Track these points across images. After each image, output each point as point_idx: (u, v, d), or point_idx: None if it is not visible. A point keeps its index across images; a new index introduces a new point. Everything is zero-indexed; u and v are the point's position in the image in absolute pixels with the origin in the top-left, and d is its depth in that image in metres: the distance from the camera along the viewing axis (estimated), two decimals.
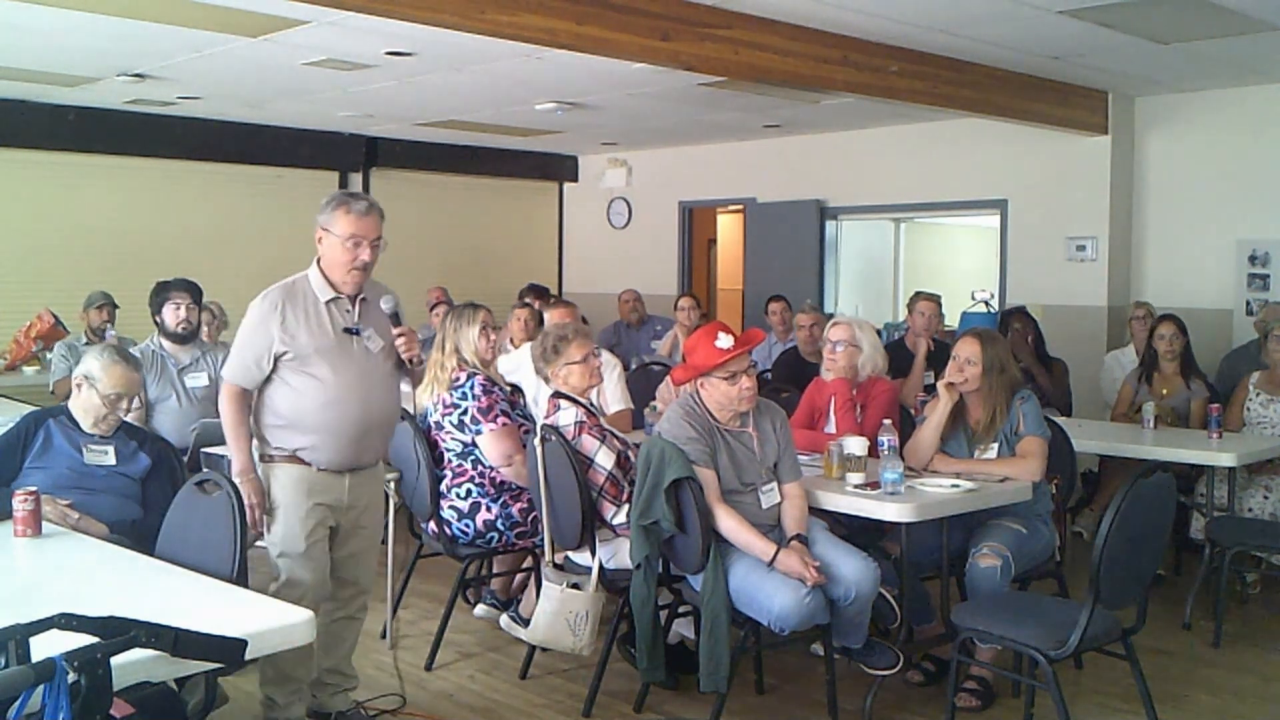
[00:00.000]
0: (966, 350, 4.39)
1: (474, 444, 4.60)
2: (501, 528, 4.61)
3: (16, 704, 1.84)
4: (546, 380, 4.54)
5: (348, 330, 3.60)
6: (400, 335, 3.63)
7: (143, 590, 2.85)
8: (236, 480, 3.45)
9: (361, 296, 3.65)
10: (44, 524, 3.33)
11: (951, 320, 8.53)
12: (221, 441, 4.73)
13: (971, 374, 4.36)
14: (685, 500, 3.80)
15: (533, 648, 4.45)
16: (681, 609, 4.31)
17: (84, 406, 3.88)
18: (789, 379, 6.34)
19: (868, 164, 9.53)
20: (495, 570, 5.17)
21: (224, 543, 3.07)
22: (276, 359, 3.55)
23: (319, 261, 3.63)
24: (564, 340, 4.47)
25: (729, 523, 3.81)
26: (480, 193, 11.17)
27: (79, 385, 3.89)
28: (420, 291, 9.42)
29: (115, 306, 7.23)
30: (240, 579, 2.98)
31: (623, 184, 11.48)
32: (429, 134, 9.90)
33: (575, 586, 4.11)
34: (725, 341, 3.89)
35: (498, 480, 4.64)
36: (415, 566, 5.03)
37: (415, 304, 9.44)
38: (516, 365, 5.68)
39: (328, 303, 3.59)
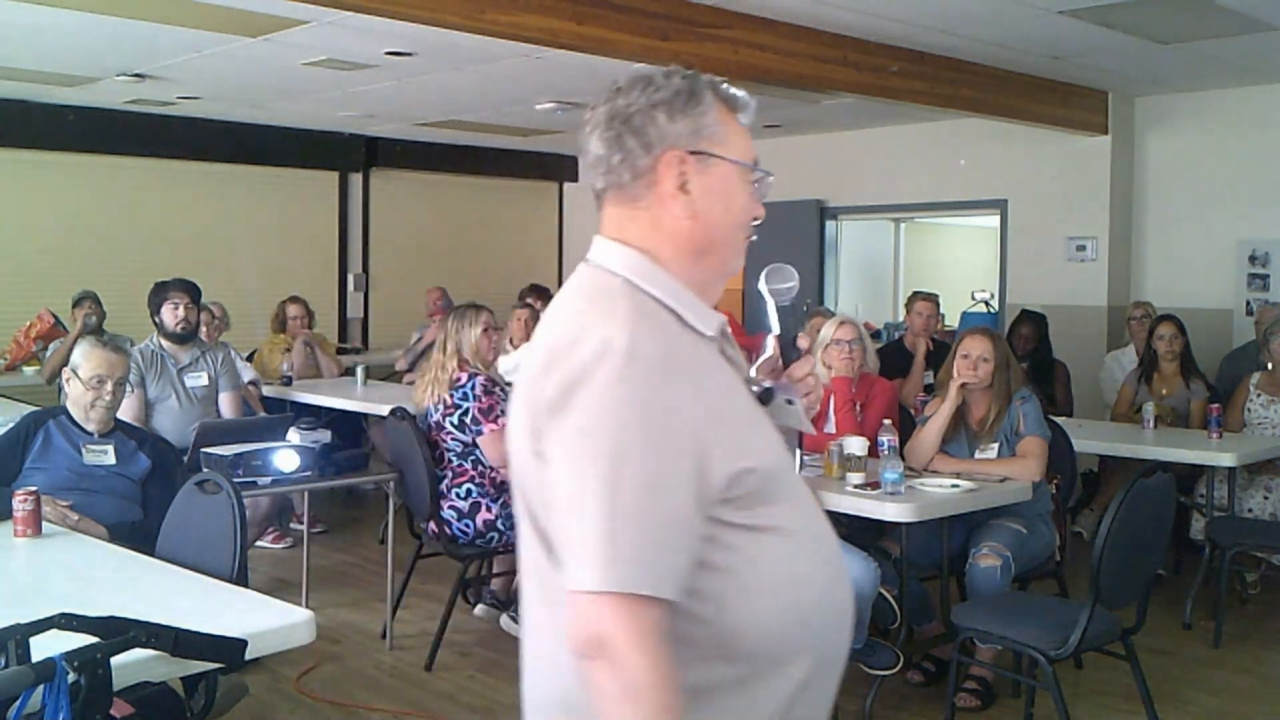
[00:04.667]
0: (979, 348, 4.38)
1: (475, 444, 4.60)
2: (501, 528, 4.61)
3: (16, 704, 1.84)
4: None
5: (761, 397, 1.66)
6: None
7: (143, 590, 2.85)
8: None
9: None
10: (44, 524, 3.33)
11: (952, 320, 8.53)
12: (222, 441, 4.74)
13: (985, 371, 4.35)
14: None
15: None
16: None
17: (74, 400, 3.91)
18: None
19: (868, 164, 9.53)
20: (495, 570, 5.17)
21: (224, 543, 3.06)
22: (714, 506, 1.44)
23: (648, 252, 1.54)
24: None
25: None
26: (480, 193, 11.17)
27: (67, 380, 3.95)
28: (420, 291, 9.42)
29: (99, 303, 7.28)
30: (240, 579, 2.98)
31: None
32: (429, 134, 9.89)
33: None
34: None
35: (498, 480, 4.64)
36: (415, 566, 5.02)
37: (415, 305, 9.46)
38: (515, 365, 5.68)
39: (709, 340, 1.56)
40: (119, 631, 1.98)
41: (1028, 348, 6.84)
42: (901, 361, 6.56)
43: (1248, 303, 7.63)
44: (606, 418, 1.37)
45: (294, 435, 4.82)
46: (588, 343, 1.40)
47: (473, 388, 4.60)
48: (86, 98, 8.12)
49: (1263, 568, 5.61)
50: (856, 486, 4.10)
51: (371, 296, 10.32)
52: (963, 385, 4.37)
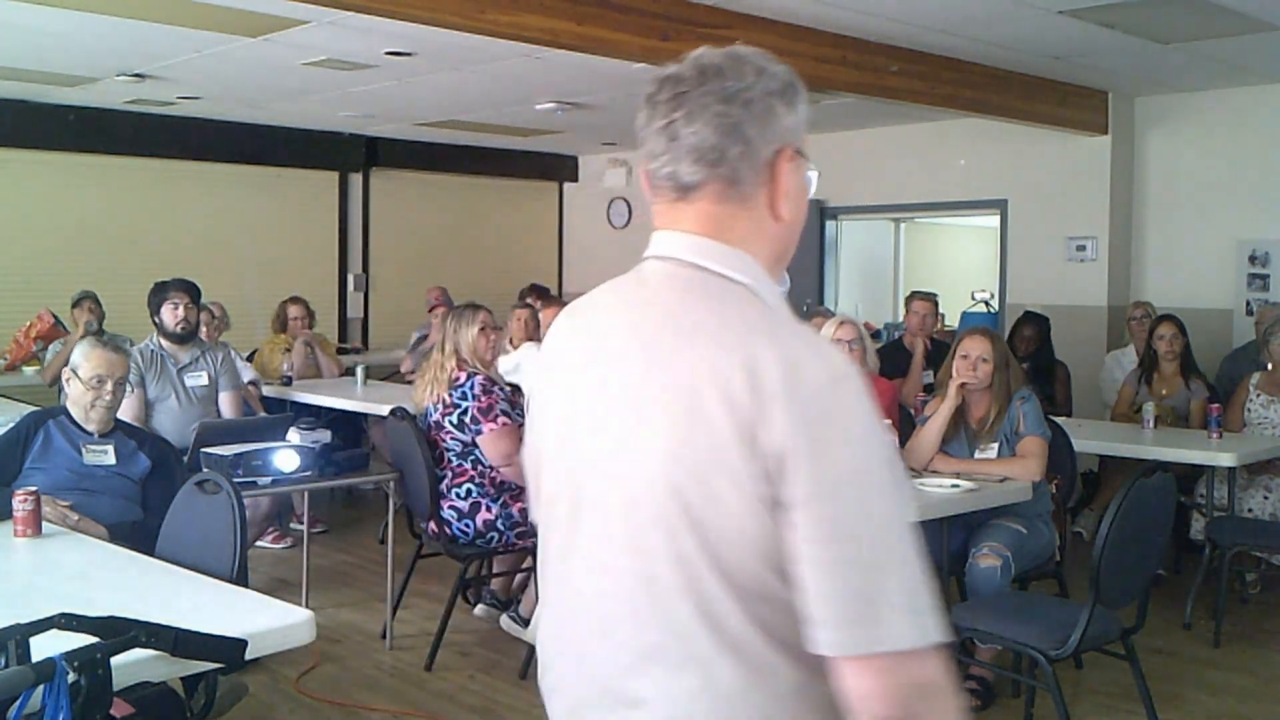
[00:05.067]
0: (979, 348, 4.38)
1: (474, 444, 4.60)
2: (501, 527, 4.62)
3: (16, 704, 1.84)
4: None
5: None
6: None
7: (143, 590, 2.85)
8: None
9: None
10: (44, 524, 3.33)
11: (952, 320, 8.52)
12: (222, 441, 4.74)
13: (984, 371, 4.35)
14: None
15: (533, 648, 4.44)
16: None
17: (74, 400, 3.91)
18: None
19: (868, 164, 9.52)
20: (495, 570, 5.17)
21: (224, 543, 3.06)
22: None
23: (755, 256, 1.39)
24: None
25: None
26: (480, 193, 11.17)
27: (67, 380, 3.94)
28: (420, 291, 9.42)
29: (99, 303, 7.29)
30: (240, 579, 2.98)
31: (623, 184, 11.47)
32: (429, 134, 9.89)
33: None
34: None
35: (498, 480, 4.64)
36: (415, 566, 5.02)
37: (415, 305, 9.45)
38: (515, 365, 5.68)
39: None
40: (119, 631, 1.98)
41: (1030, 349, 6.85)
42: (901, 361, 6.56)
43: (1248, 303, 7.63)
44: (873, 453, 1.23)
45: (294, 435, 4.82)
46: (809, 368, 1.22)
47: (471, 387, 4.60)
48: (86, 98, 8.12)
49: (1262, 568, 5.61)
50: None
51: (371, 296, 10.33)
52: (962, 385, 4.37)
